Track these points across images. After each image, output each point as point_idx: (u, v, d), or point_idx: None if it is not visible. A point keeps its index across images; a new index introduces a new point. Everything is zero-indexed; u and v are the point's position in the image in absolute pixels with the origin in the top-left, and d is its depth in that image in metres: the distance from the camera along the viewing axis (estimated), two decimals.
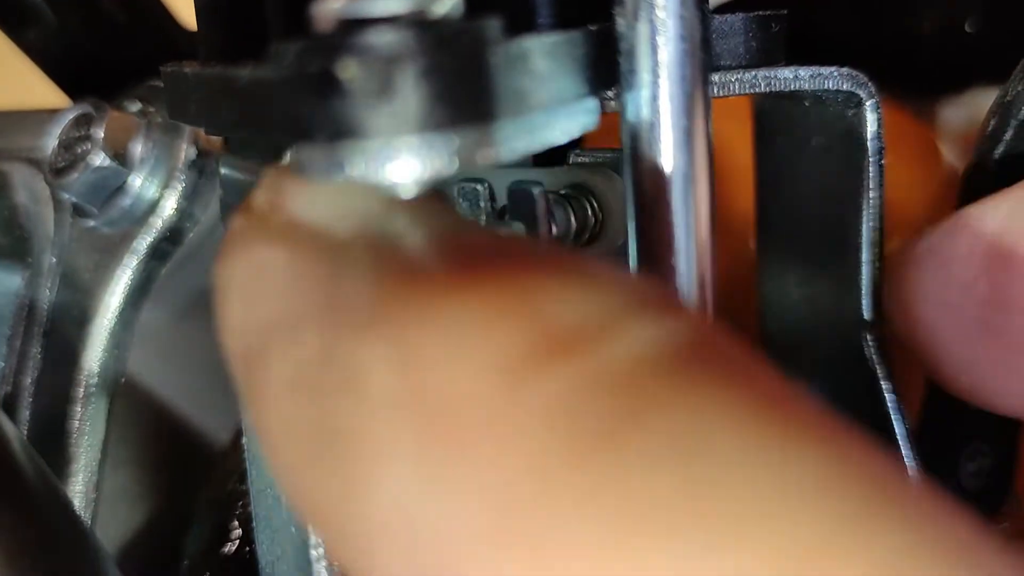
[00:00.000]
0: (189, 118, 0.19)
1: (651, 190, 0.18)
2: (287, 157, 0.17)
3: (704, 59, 0.17)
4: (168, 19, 0.34)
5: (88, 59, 0.33)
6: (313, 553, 0.19)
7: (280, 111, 0.15)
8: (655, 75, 0.17)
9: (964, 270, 0.20)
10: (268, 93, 0.15)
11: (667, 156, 0.17)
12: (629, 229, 0.18)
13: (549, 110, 0.16)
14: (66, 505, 0.21)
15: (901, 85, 0.49)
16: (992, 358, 0.18)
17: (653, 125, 0.17)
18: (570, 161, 0.22)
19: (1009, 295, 0.19)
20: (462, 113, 0.14)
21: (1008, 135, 0.25)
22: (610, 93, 0.18)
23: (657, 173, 0.18)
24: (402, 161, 0.14)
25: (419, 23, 0.14)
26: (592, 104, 0.17)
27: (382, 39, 0.13)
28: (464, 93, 0.14)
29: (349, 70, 0.13)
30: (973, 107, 0.49)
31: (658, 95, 0.17)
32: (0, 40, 0.34)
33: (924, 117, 0.58)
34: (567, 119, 0.17)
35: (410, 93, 0.14)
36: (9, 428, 0.21)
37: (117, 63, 0.33)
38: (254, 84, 0.16)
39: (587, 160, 0.22)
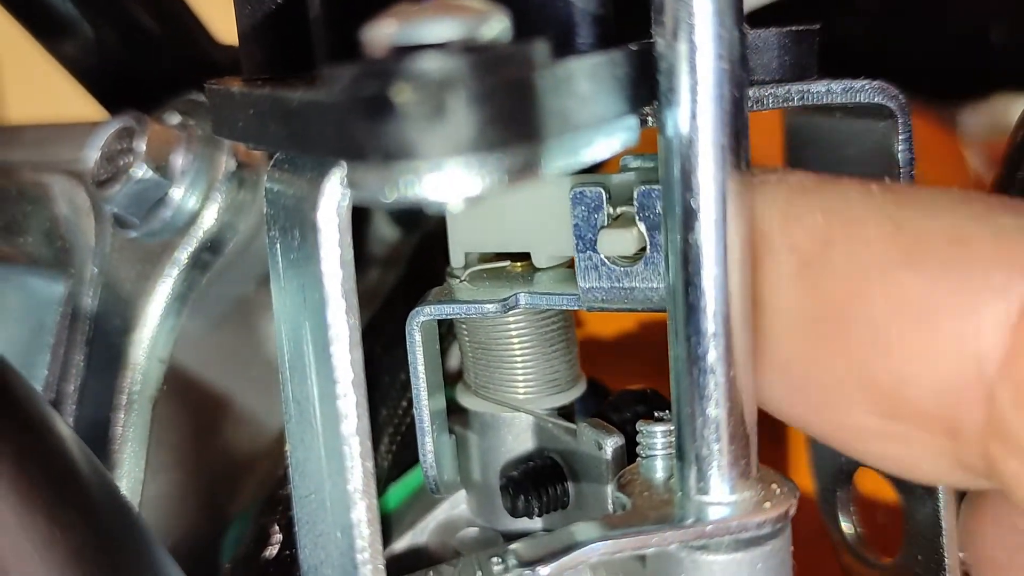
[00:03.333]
0: (236, 135, 0.20)
1: (688, 204, 0.18)
2: (334, 174, 0.17)
3: (742, 76, 0.18)
4: (203, 33, 0.34)
5: (124, 72, 0.34)
6: (358, 557, 0.19)
7: (333, 132, 0.15)
8: (694, 93, 0.18)
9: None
10: (321, 115, 0.16)
11: (706, 172, 0.18)
12: (667, 242, 0.19)
13: (592, 128, 0.17)
14: (123, 503, 0.21)
15: (925, 92, 0.49)
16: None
17: (692, 142, 0.18)
18: (622, 167, 0.23)
19: None
20: (511, 134, 0.15)
21: None
22: (648, 110, 0.19)
23: (695, 188, 0.18)
24: (453, 180, 0.14)
25: (469, 48, 0.14)
26: (632, 121, 0.18)
27: (434, 64, 0.14)
28: (513, 115, 0.15)
29: (404, 94, 0.14)
30: (996, 114, 0.49)
31: (697, 112, 0.18)
32: (38, 53, 0.35)
33: (946, 123, 0.58)
34: (608, 136, 0.17)
35: (462, 115, 0.14)
36: (66, 431, 0.21)
37: (152, 76, 0.34)
38: (306, 106, 0.16)
39: (640, 166, 0.22)
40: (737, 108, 0.18)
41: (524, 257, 0.25)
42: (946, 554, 0.24)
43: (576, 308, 0.23)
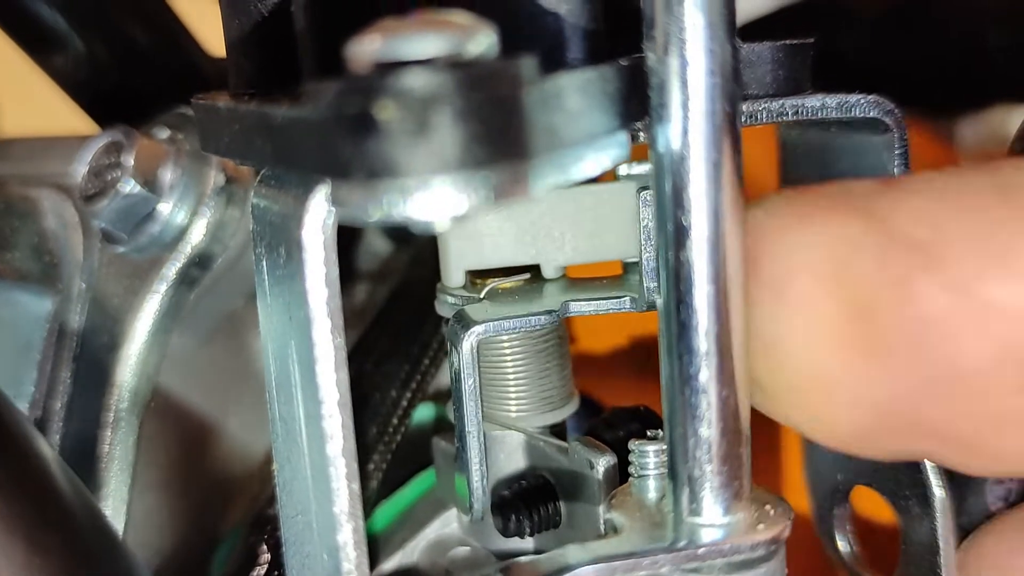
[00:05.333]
0: (222, 150, 0.20)
1: (680, 221, 0.18)
2: (319, 191, 0.17)
3: (734, 92, 0.18)
4: (193, 46, 0.34)
5: (114, 85, 0.34)
6: None
7: (318, 149, 0.15)
8: (685, 109, 0.17)
9: None
10: (306, 132, 0.15)
11: (697, 189, 0.18)
12: (657, 258, 0.19)
13: (581, 144, 0.16)
14: (106, 526, 0.21)
15: (921, 103, 0.49)
16: (867, 384, 0.18)
17: (683, 158, 0.17)
18: (620, 174, 0.22)
19: None
20: (498, 151, 0.14)
21: None
22: (640, 125, 0.18)
23: (687, 205, 0.18)
24: (439, 199, 0.14)
25: (455, 64, 0.14)
26: (623, 137, 0.18)
27: (418, 80, 0.14)
28: (499, 132, 0.14)
29: (387, 111, 0.14)
30: (994, 125, 0.49)
31: (688, 128, 0.17)
32: (27, 66, 0.34)
33: (943, 135, 0.57)
34: (599, 152, 0.17)
35: (447, 133, 0.14)
36: (47, 451, 0.21)
37: (143, 89, 0.34)
38: (291, 122, 0.16)
39: (637, 173, 0.22)
40: (730, 124, 0.18)
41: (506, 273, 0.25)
42: (943, 574, 0.24)
43: (628, 311, 0.23)
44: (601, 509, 0.23)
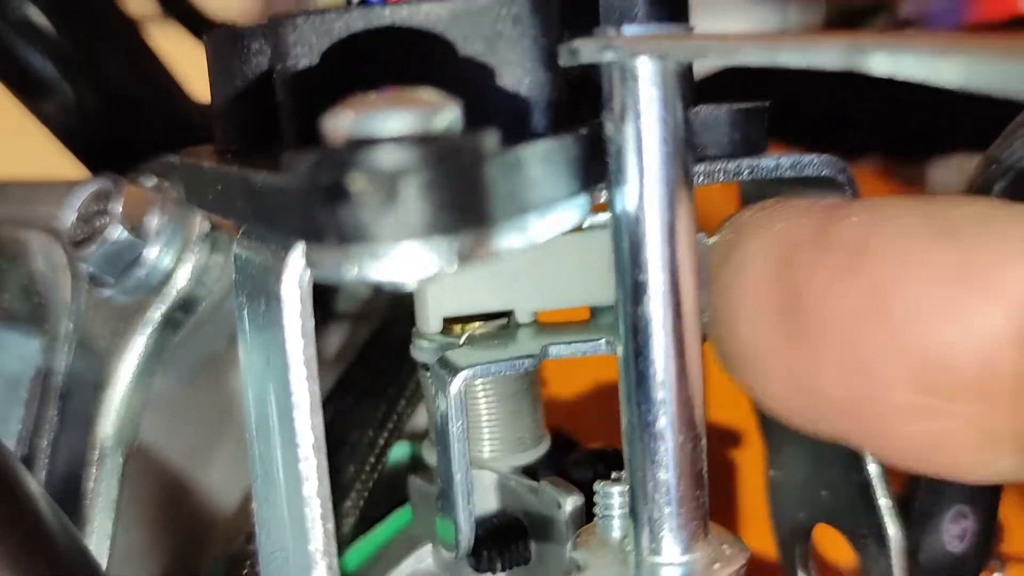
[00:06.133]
0: (206, 205, 0.21)
1: (637, 278, 0.19)
2: (296, 250, 0.18)
3: (686, 158, 0.19)
4: (180, 94, 0.35)
5: (102, 131, 0.35)
6: None
7: (294, 214, 0.16)
8: (641, 174, 0.18)
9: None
10: (283, 197, 0.16)
11: (653, 247, 0.19)
12: (618, 312, 0.20)
13: (543, 208, 0.17)
14: (91, 561, 0.22)
15: (891, 150, 0.50)
16: (792, 362, 0.20)
17: (639, 219, 0.19)
18: (584, 226, 0.23)
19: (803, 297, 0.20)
20: (461, 218, 0.15)
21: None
22: (601, 187, 0.20)
23: (643, 264, 0.19)
24: (407, 261, 0.15)
25: (421, 139, 0.15)
26: (583, 199, 0.19)
27: (387, 157, 0.15)
28: (463, 201, 0.15)
29: (358, 183, 0.15)
30: (964, 170, 0.50)
31: (644, 192, 0.18)
32: (19, 111, 0.35)
33: (915, 180, 0.59)
34: (559, 214, 0.18)
35: (413, 202, 0.15)
36: (35, 487, 0.22)
37: (131, 134, 0.35)
38: (270, 188, 0.17)
39: (601, 222, 0.23)
40: (683, 186, 0.19)
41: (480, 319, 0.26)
42: None
43: (605, 352, 0.24)
44: (568, 547, 0.24)
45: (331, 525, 0.20)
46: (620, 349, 0.20)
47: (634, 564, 0.20)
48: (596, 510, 0.23)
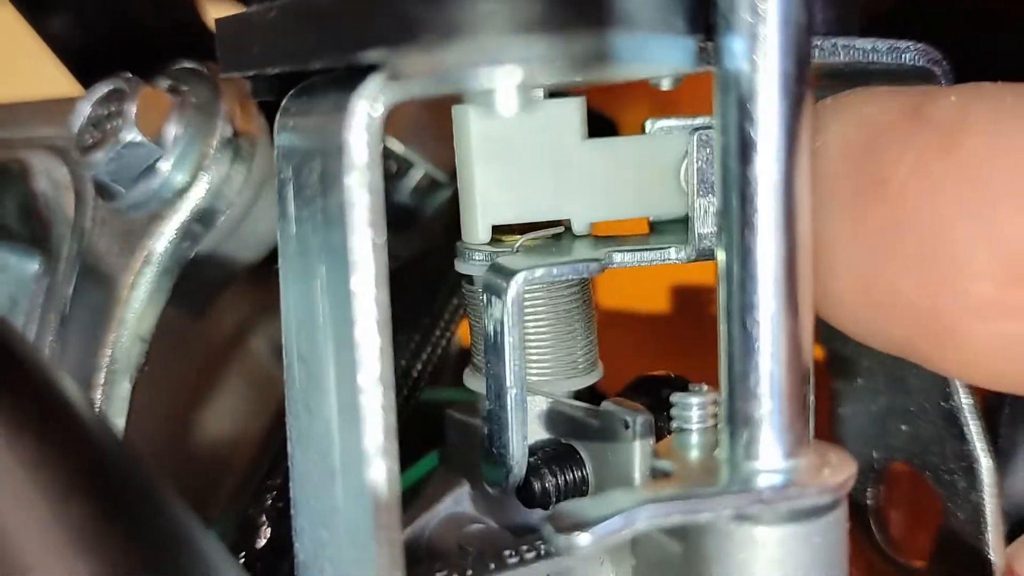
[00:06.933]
0: (251, 63, 0.18)
1: (749, 136, 0.17)
2: (371, 80, 0.16)
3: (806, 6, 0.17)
4: (196, 18, 0.33)
5: (109, 52, 0.32)
6: (373, 524, 0.17)
7: (378, 17, 0.14)
8: (756, 16, 0.16)
9: None
10: (362, 6, 0.14)
11: (768, 101, 0.17)
12: (720, 181, 0.17)
13: (655, 37, 0.15)
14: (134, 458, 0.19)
15: None
16: (866, 257, 0.19)
17: (755, 68, 0.16)
18: (648, 130, 0.21)
19: None
20: (571, 18, 0.13)
21: None
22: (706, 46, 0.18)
23: (755, 118, 0.17)
24: (514, 64, 0.13)
25: None
26: (691, 43, 0.17)
27: None
28: None
29: None
30: None
31: (759, 37, 0.16)
32: (21, 31, 0.33)
33: None
34: (665, 53, 0.16)
35: None
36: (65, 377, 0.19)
37: (139, 59, 0.32)
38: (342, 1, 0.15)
39: (667, 126, 0.21)
40: (802, 34, 0.17)
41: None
42: (991, 553, 0.23)
43: (673, 262, 0.22)
44: (637, 462, 0.21)
45: (394, 419, 0.17)
46: (720, 220, 0.17)
47: (727, 472, 0.18)
48: (673, 425, 0.20)
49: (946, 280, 0.17)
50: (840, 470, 0.18)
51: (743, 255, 0.17)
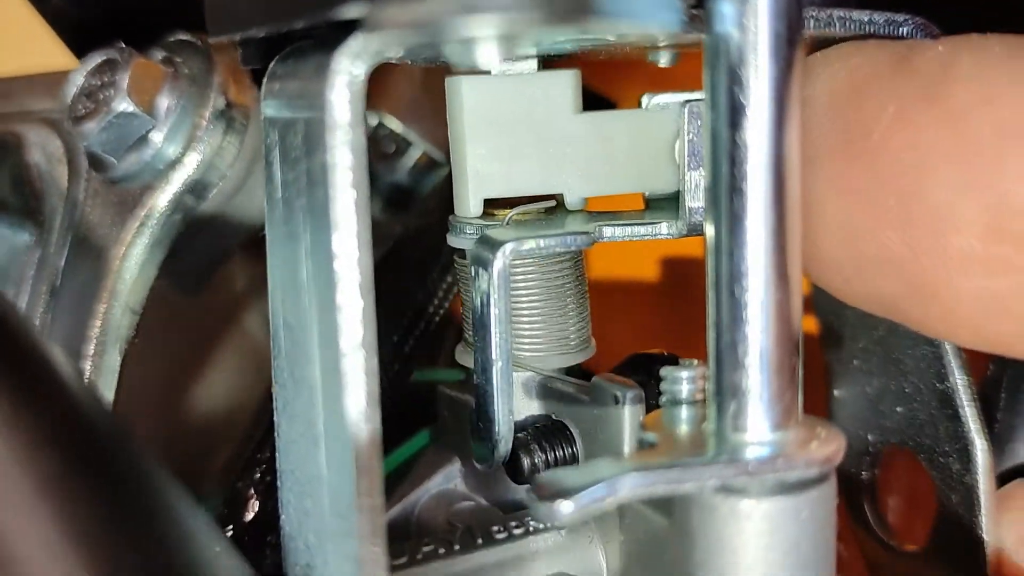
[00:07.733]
0: (239, 22, 0.18)
1: (738, 100, 0.16)
2: (352, 39, 0.15)
3: None
4: None
5: (105, 25, 0.32)
6: (355, 492, 0.17)
7: None
8: None
9: None
10: None
11: (761, 62, 0.16)
12: (708, 147, 0.17)
13: None
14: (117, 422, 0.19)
15: None
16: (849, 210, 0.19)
17: (745, 30, 0.16)
18: (644, 105, 0.21)
19: None
20: None
21: None
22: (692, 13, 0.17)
23: (745, 82, 0.16)
24: (485, 11, 0.13)
25: None
26: (677, 3, 0.16)
27: None
28: None
29: None
30: None
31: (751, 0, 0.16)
32: (16, 3, 0.33)
33: None
34: (650, 10, 0.16)
35: None
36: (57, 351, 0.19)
37: (134, 31, 0.32)
38: None
39: (662, 102, 0.21)
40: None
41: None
42: (985, 535, 0.22)
43: (664, 237, 0.22)
44: (626, 448, 0.21)
45: (376, 384, 0.17)
46: (708, 186, 0.17)
47: (714, 444, 0.18)
48: (662, 399, 0.20)
49: (928, 233, 0.17)
50: (828, 443, 0.18)
51: (732, 222, 0.17)
